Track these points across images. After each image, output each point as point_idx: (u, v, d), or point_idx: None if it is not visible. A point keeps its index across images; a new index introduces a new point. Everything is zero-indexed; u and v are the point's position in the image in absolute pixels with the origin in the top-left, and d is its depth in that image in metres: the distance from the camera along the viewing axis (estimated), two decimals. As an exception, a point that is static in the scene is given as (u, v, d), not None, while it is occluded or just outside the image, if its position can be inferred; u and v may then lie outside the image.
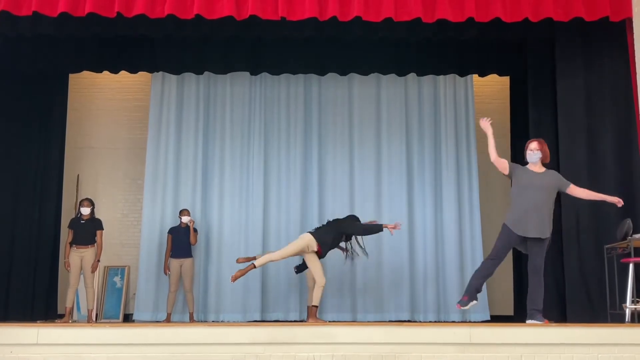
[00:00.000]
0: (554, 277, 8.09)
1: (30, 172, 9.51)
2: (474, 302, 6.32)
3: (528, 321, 6.04)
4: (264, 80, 9.89)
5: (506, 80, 10.21)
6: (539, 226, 6.06)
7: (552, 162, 8.18)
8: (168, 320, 8.73)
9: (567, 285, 7.61)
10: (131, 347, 5.41)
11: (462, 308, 6.32)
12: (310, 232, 7.46)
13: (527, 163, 6.32)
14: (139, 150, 10.08)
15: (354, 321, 8.97)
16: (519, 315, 9.27)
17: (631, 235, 6.79)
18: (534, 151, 6.28)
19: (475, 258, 9.37)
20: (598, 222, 7.58)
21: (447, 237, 9.46)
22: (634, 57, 7.42)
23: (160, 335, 5.48)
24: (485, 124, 6.46)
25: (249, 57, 9.44)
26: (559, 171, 7.66)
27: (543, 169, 6.29)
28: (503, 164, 6.31)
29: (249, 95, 9.88)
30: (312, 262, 7.33)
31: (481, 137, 10.09)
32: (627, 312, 6.59)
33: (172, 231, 8.96)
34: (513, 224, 6.15)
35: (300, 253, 7.41)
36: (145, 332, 5.56)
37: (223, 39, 8.85)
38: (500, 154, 9.94)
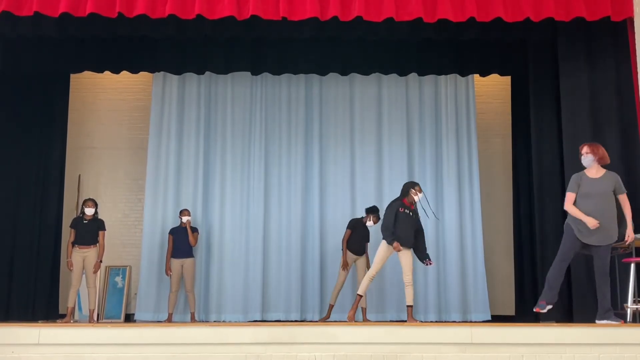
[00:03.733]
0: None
1: (32, 172, 9.52)
2: (550, 306, 6.24)
3: (600, 321, 6.00)
4: (265, 80, 9.89)
5: (507, 80, 10.21)
6: (600, 234, 6.10)
7: (555, 163, 8.21)
8: (169, 320, 8.73)
9: (574, 285, 7.60)
10: (132, 347, 5.42)
11: (540, 311, 6.20)
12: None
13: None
14: (140, 150, 10.09)
15: (355, 321, 8.96)
16: (520, 315, 9.27)
17: (633, 235, 6.79)
18: (584, 155, 6.36)
19: (477, 257, 9.38)
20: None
21: (448, 237, 9.46)
22: (635, 56, 7.42)
23: (161, 336, 5.49)
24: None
25: (250, 57, 9.44)
26: (562, 172, 7.68)
27: (601, 173, 6.30)
28: (571, 199, 6.29)
29: (250, 95, 9.88)
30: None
31: (482, 137, 10.13)
32: (629, 312, 6.58)
33: (173, 231, 8.96)
34: (577, 231, 6.17)
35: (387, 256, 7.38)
36: (146, 332, 5.57)
37: (224, 39, 8.86)
38: (503, 154, 10.13)
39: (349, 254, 8.46)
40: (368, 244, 8.56)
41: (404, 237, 7.18)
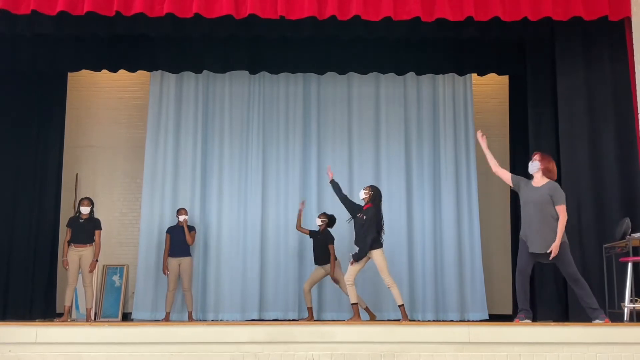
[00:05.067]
0: (555, 277, 8.10)
1: (29, 171, 9.51)
2: (529, 319, 6.13)
3: (594, 322, 5.97)
4: (263, 79, 9.88)
5: (505, 79, 10.22)
6: (543, 241, 6.07)
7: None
8: (167, 319, 8.73)
9: (570, 285, 7.60)
10: (130, 346, 5.41)
11: (520, 321, 6.09)
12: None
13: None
14: (138, 149, 10.08)
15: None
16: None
17: (630, 235, 6.79)
18: (532, 160, 6.39)
19: (474, 256, 9.39)
20: (597, 222, 7.59)
21: (446, 236, 9.46)
22: (633, 55, 7.43)
23: (159, 334, 5.48)
24: (481, 138, 6.61)
25: (248, 56, 9.43)
26: (559, 172, 7.67)
27: (543, 182, 6.27)
28: (505, 175, 6.46)
29: (248, 94, 9.88)
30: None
31: (480, 136, 10.12)
32: (626, 311, 6.59)
33: (170, 230, 8.95)
34: (525, 240, 6.19)
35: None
36: (144, 331, 5.56)
37: (222, 38, 8.84)
38: (500, 153, 10.14)
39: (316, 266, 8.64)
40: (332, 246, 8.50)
41: (358, 242, 7.37)
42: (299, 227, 8.83)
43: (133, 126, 10.37)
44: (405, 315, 7.30)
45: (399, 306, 7.28)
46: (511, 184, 6.43)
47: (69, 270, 7.98)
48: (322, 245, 8.48)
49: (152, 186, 9.54)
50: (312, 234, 8.72)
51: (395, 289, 7.25)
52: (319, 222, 8.65)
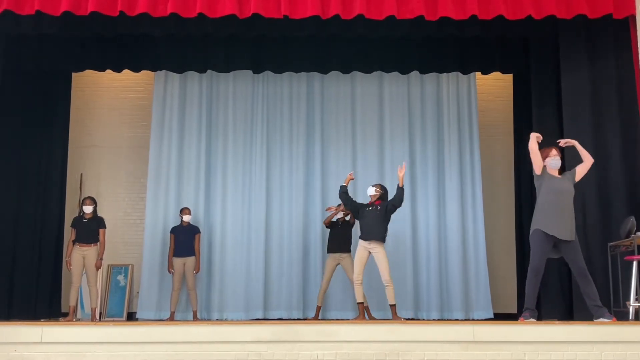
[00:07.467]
0: (559, 275, 8.09)
1: (34, 171, 9.53)
2: (533, 318, 6.13)
3: (597, 319, 5.96)
4: (267, 79, 9.89)
5: (509, 78, 10.19)
6: (570, 229, 6.13)
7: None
8: (171, 318, 8.74)
9: (574, 284, 7.59)
10: (134, 345, 5.42)
11: (525, 320, 6.08)
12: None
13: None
14: (142, 149, 10.09)
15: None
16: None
17: (635, 233, 6.77)
18: (552, 157, 6.38)
19: (479, 256, 9.38)
20: (602, 220, 7.57)
21: (450, 235, 9.45)
22: (638, 54, 7.40)
23: (163, 334, 5.49)
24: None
25: (252, 55, 9.44)
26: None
27: (560, 174, 6.41)
28: (538, 161, 6.34)
29: (251, 94, 9.88)
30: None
31: (484, 134, 10.12)
32: (631, 309, 6.58)
33: (174, 230, 8.96)
34: (546, 227, 6.15)
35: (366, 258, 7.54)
36: (148, 331, 5.57)
37: (225, 38, 8.86)
38: (505, 152, 10.12)
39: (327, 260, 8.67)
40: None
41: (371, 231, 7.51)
42: (327, 222, 8.83)
43: (137, 126, 10.38)
44: (395, 315, 7.37)
45: (391, 305, 7.33)
46: (539, 172, 6.34)
47: (73, 270, 8.01)
48: (341, 234, 8.53)
49: (157, 186, 9.56)
50: (331, 224, 8.73)
51: (391, 289, 7.27)
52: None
